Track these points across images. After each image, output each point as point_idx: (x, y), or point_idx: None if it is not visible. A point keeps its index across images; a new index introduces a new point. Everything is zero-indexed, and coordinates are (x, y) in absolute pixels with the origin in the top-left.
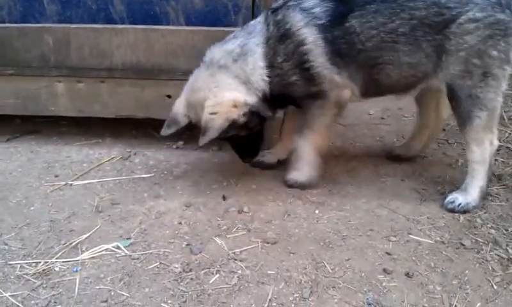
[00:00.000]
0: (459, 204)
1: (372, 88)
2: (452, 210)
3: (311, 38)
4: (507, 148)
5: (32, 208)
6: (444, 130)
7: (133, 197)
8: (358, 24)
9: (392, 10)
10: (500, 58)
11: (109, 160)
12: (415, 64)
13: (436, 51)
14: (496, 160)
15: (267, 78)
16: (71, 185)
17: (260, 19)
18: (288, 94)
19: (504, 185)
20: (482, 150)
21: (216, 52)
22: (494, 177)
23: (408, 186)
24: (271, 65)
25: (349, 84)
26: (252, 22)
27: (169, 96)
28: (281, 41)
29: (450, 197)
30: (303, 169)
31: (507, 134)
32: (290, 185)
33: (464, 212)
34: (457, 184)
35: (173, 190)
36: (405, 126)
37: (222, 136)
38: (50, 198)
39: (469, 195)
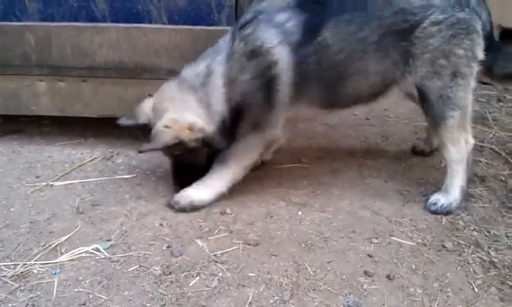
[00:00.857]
0: (442, 205)
1: (337, 101)
2: (435, 212)
3: (284, 59)
4: (491, 149)
5: (12, 209)
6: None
7: (114, 199)
8: (331, 36)
9: (362, 19)
10: (466, 56)
11: (91, 160)
12: (383, 71)
13: (402, 57)
14: (479, 161)
15: (224, 98)
16: (52, 185)
17: (227, 36)
18: (241, 115)
19: (487, 186)
20: (458, 149)
21: (188, 72)
22: (477, 178)
23: (392, 187)
24: (233, 81)
25: (299, 112)
26: (221, 40)
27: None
28: (250, 57)
29: (432, 199)
30: (204, 191)
31: (491, 135)
32: (181, 206)
33: (447, 213)
34: (440, 186)
35: (155, 192)
36: (390, 127)
37: (166, 152)
38: (31, 199)
39: (450, 195)
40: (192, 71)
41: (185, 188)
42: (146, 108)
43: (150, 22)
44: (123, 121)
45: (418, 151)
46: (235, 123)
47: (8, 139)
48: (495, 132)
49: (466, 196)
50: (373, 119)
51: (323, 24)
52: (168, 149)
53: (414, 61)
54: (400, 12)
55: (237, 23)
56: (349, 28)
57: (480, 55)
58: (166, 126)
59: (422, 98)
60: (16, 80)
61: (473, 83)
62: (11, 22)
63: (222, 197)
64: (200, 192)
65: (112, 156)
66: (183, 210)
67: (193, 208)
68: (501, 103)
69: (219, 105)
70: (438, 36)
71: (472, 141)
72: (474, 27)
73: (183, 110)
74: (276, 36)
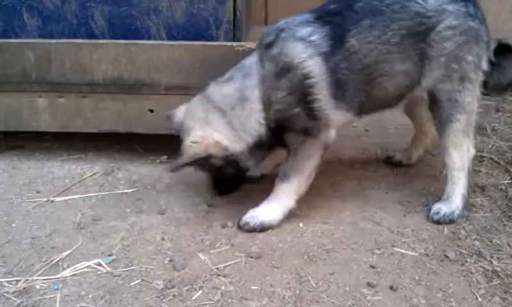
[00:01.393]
0: (444, 214)
1: (367, 106)
2: (437, 221)
3: (317, 70)
4: (491, 159)
5: (13, 225)
6: None
7: (115, 213)
8: (357, 41)
9: (384, 23)
10: (474, 63)
11: (91, 175)
12: (406, 72)
13: (420, 59)
14: (480, 171)
15: (263, 121)
16: (53, 201)
17: (254, 58)
18: (285, 127)
19: (487, 196)
20: (460, 155)
21: (215, 92)
22: (478, 188)
23: (392, 198)
24: (269, 103)
25: (343, 117)
26: (248, 61)
27: (151, 111)
28: (281, 75)
29: (434, 209)
30: (273, 210)
31: (490, 145)
32: (250, 227)
33: (450, 221)
34: (441, 195)
35: (156, 205)
36: (389, 138)
37: (197, 168)
38: (32, 215)
39: (453, 204)
40: (220, 92)
41: (254, 209)
42: (179, 114)
43: (149, 38)
44: (167, 119)
45: (394, 161)
46: (277, 139)
47: (8, 155)
48: (494, 141)
49: (468, 205)
50: (372, 130)
51: (348, 32)
52: (198, 165)
53: (431, 64)
54: (416, 15)
55: (262, 44)
56: (374, 32)
57: (485, 65)
58: (194, 142)
59: (432, 101)
60: (16, 97)
61: (478, 91)
62: (11, 39)
63: (222, 211)
64: (269, 211)
65: (112, 171)
66: (253, 230)
67: (263, 229)
68: (500, 113)
69: (256, 127)
70: (452, 40)
71: (473, 151)
72: (482, 37)
73: (209, 129)
74: (304, 50)
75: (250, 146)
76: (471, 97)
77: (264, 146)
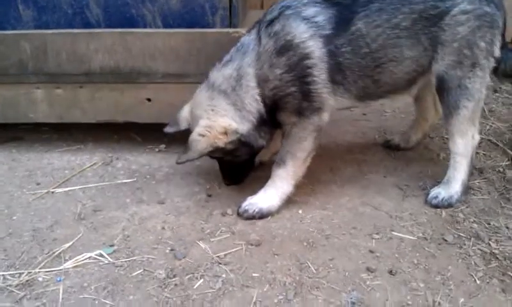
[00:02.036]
0: (443, 198)
1: (373, 91)
2: (436, 206)
3: (317, 52)
4: (489, 140)
5: (14, 217)
6: None
7: (115, 203)
8: (364, 25)
9: (394, 6)
10: (486, 49)
11: (90, 166)
12: (416, 57)
13: (431, 44)
14: (477, 153)
15: (259, 98)
16: (53, 192)
17: (252, 35)
18: (279, 106)
19: (485, 178)
20: (465, 142)
21: (216, 76)
22: (475, 170)
23: (391, 182)
24: (265, 80)
25: (340, 102)
26: (246, 40)
27: (149, 100)
28: (280, 53)
29: (433, 193)
30: (271, 196)
31: (488, 127)
32: (249, 215)
33: (449, 205)
34: (439, 179)
35: (155, 195)
36: (386, 122)
37: (207, 156)
38: (32, 207)
39: (452, 188)
40: (221, 76)
41: (252, 196)
42: (184, 113)
43: (145, 26)
44: (168, 129)
45: (393, 145)
46: (274, 116)
47: (7, 147)
48: (492, 123)
49: (467, 191)
50: (369, 115)
51: (355, 15)
52: (206, 155)
53: (443, 48)
54: None
55: (261, 22)
56: (382, 15)
57: (497, 52)
58: (201, 135)
59: (441, 86)
60: (13, 89)
61: (488, 78)
62: (6, 31)
63: (222, 199)
64: (267, 198)
65: (111, 161)
66: (252, 217)
67: (262, 215)
68: (497, 94)
69: (254, 104)
70: (466, 25)
71: (477, 137)
72: (497, 22)
73: (216, 115)
74: (307, 30)
75: (255, 125)
76: (480, 84)
77: (268, 123)
